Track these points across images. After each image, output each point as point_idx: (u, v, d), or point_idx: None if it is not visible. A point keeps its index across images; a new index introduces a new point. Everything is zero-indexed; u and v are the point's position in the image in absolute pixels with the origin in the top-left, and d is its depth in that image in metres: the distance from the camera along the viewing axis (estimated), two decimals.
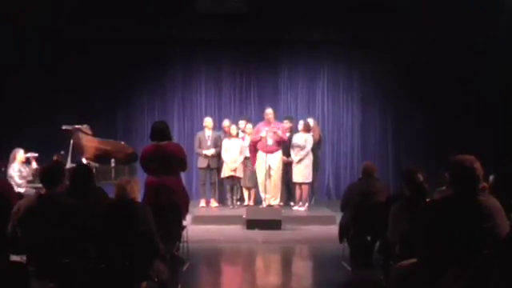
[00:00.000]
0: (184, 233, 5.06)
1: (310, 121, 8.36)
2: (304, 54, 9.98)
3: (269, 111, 8.06)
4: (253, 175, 8.26)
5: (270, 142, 7.87)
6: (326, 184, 9.98)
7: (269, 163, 7.86)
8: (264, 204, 7.90)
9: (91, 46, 9.32)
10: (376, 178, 5.26)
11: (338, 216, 5.83)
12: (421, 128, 9.74)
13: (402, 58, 9.44)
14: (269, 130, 7.90)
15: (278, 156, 7.92)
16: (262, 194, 7.97)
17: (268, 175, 7.86)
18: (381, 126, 10.03)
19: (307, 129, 8.06)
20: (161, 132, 5.13)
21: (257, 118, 9.54)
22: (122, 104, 9.89)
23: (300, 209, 7.96)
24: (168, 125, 5.27)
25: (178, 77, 10.01)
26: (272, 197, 7.92)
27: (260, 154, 7.95)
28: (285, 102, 10.09)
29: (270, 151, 7.88)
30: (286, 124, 8.42)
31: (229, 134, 8.21)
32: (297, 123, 8.31)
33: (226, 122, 8.62)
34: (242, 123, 8.50)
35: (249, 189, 8.38)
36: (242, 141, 8.22)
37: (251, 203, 8.31)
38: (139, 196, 3.80)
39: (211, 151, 8.26)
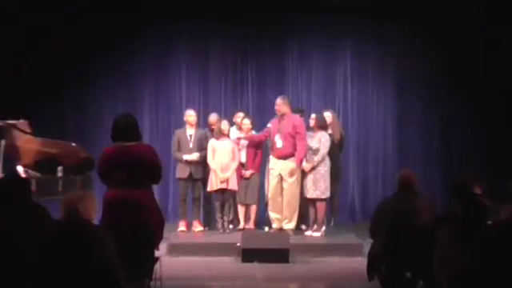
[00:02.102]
0: (157, 267, 5.02)
1: (328, 115, 8.31)
2: (320, 26, 9.97)
3: (279, 101, 7.96)
4: (252, 187, 8.22)
5: (280, 143, 7.81)
6: (350, 200, 9.96)
7: (280, 172, 7.80)
8: (273, 227, 7.84)
9: (29, 14, 9.25)
10: (417, 191, 5.24)
11: (367, 244, 5.79)
12: (478, 126, 9.74)
13: (454, 33, 9.41)
14: (274, 128, 7.84)
15: (293, 163, 7.83)
16: (272, 214, 7.92)
17: (280, 188, 7.81)
18: (424, 122, 10.04)
19: (322, 125, 8.02)
20: (127, 129, 5.06)
21: (255, 112, 9.49)
22: (72, 92, 9.85)
23: (314, 234, 7.92)
24: (136, 119, 5.21)
25: (151, 56, 10.01)
26: (285, 218, 7.86)
27: (270, 160, 7.92)
28: (294, 89, 10.10)
29: (280, 156, 7.80)
30: None
31: (217, 133, 8.16)
32: (309, 118, 8.29)
33: (213, 117, 8.58)
34: (240, 116, 8.50)
35: (246, 206, 8.33)
36: (234, 141, 8.19)
37: (250, 226, 8.28)
38: (96, 217, 3.76)
39: (194, 156, 8.24)
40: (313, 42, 10.07)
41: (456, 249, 3.57)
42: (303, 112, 8.68)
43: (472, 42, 9.46)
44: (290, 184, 7.82)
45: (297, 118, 7.98)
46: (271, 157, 7.93)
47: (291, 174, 7.79)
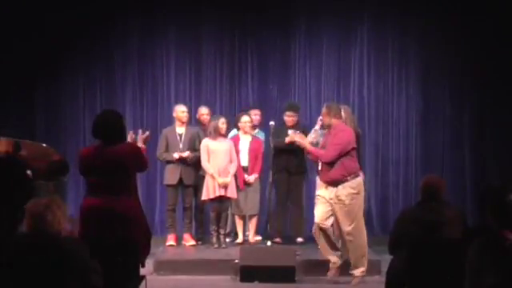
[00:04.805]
0: (142, 287, 5.05)
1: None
2: (332, 3, 9.99)
3: (324, 111, 7.19)
4: (252, 195, 8.31)
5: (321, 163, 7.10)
6: (366, 211, 9.91)
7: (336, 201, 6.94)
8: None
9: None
10: (445, 201, 5.27)
11: (385, 261, 5.82)
12: None
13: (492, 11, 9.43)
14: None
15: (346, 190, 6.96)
16: (332, 258, 7.07)
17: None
18: (453, 119, 10.03)
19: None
20: (104, 127, 5.16)
21: (256, 106, 9.47)
22: (42, 84, 9.89)
23: None
24: (119, 117, 5.30)
25: (133, 41, 10.01)
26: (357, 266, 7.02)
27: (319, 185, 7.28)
28: (301, 79, 10.13)
29: (326, 181, 7.01)
30: (290, 117, 8.45)
31: (213, 132, 8.17)
32: (315, 114, 8.30)
33: (203, 110, 8.72)
34: (245, 118, 8.48)
35: (244, 218, 8.43)
36: (230, 141, 8.26)
37: (249, 239, 8.36)
38: (68, 227, 3.77)
39: (186, 152, 8.31)
40: (323, 22, 10.06)
41: (489, 268, 3.59)
42: (298, 109, 8.71)
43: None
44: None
45: (347, 130, 7.15)
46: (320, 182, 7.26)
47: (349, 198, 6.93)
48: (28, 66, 9.55)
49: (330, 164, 6.86)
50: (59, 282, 3.45)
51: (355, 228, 6.89)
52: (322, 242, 7.00)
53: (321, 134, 7.80)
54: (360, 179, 7.02)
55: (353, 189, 6.85)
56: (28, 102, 9.77)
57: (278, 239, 8.37)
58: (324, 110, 7.14)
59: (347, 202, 6.83)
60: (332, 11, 10.03)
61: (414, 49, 10.04)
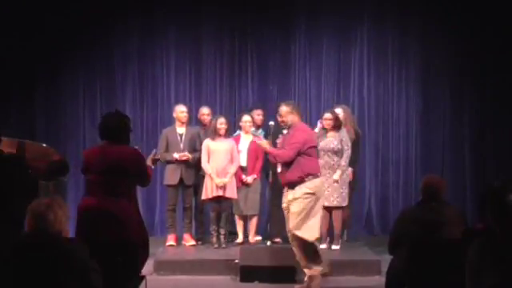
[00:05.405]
0: (142, 287, 5.05)
1: (339, 111, 8.33)
2: (332, 3, 9.99)
3: (284, 110, 6.76)
4: (252, 195, 8.32)
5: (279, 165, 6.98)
6: (366, 211, 9.97)
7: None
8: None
9: None
10: (445, 200, 5.27)
11: (385, 261, 5.82)
12: None
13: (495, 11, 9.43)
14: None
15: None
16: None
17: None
18: (453, 119, 10.04)
19: (335, 124, 8.03)
20: (107, 128, 5.20)
21: (256, 105, 9.49)
22: (42, 84, 9.89)
23: (334, 247, 8.03)
24: (124, 119, 5.32)
25: (133, 41, 10.02)
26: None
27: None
28: (301, 79, 10.13)
29: (284, 183, 6.74)
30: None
31: (212, 132, 8.18)
32: (315, 114, 8.30)
33: (204, 110, 8.71)
34: (245, 118, 8.47)
35: (246, 218, 8.42)
36: (232, 141, 8.25)
37: (249, 239, 8.37)
38: (68, 228, 3.77)
39: (186, 153, 8.31)
40: (323, 21, 10.06)
41: (490, 268, 3.58)
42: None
43: None
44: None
45: (304, 129, 6.84)
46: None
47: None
48: (28, 65, 9.57)
49: (288, 165, 6.57)
50: (59, 281, 3.44)
51: (302, 228, 6.49)
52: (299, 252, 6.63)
53: (319, 136, 7.83)
54: (318, 181, 6.64)
55: (309, 188, 6.49)
56: (28, 102, 9.78)
57: (277, 239, 8.36)
58: (285, 108, 6.71)
59: (300, 200, 6.48)
60: (332, 11, 10.03)
61: (413, 49, 10.05)
